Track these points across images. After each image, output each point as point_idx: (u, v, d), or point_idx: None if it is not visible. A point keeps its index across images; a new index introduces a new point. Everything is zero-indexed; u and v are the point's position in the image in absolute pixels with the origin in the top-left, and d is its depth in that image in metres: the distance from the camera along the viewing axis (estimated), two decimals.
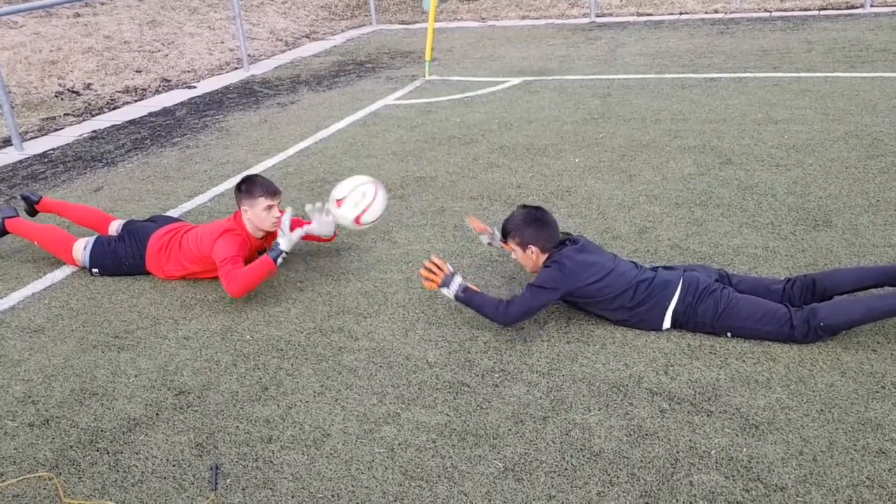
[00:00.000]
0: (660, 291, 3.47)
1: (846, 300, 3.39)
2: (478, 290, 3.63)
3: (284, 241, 3.99)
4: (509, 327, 3.55)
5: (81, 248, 4.40)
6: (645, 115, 6.94)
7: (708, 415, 2.96)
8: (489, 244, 4.09)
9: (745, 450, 2.76)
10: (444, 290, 3.58)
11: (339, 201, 4.08)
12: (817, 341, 3.32)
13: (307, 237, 4.23)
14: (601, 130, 6.57)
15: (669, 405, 3.03)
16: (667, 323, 3.48)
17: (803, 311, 3.30)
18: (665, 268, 3.68)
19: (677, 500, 2.56)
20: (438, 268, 3.58)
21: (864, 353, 3.27)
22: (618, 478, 2.67)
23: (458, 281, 3.57)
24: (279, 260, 3.97)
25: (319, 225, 4.25)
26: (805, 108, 6.75)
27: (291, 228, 4.06)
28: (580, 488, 2.64)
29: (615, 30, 11.47)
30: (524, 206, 3.73)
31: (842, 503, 2.51)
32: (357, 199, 4.05)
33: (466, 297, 3.56)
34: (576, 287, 3.47)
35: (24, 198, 4.77)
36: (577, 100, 7.64)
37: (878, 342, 3.33)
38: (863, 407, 2.95)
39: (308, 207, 4.29)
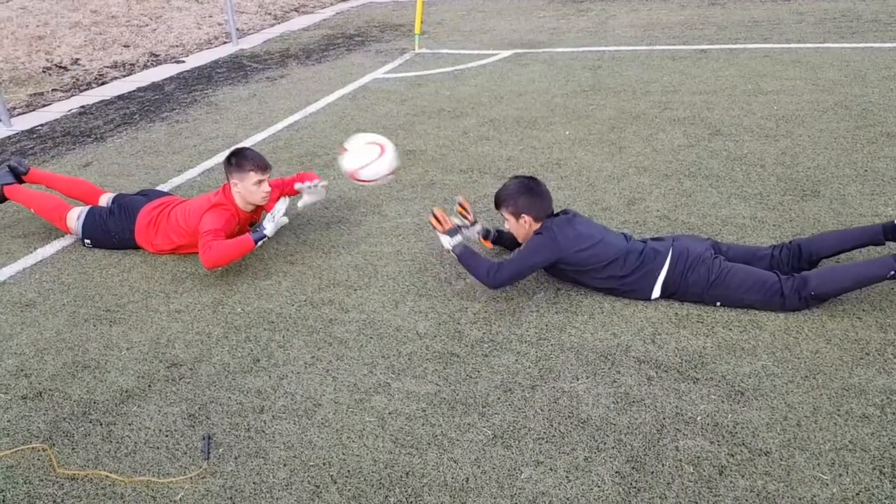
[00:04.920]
0: (650, 261, 3.49)
1: (835, 269, 3.42)
2: (475, 252, 3.66)
3: (271, 227, 3.96)
4: (498, 290, 3.57)
5: (75, 218, 4.40)
6: (635, 86, 6.93)
7: (694, 382, 3.00)
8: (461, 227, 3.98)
9: (730, 416, 2.80)
10: (444, 238, 3.65)
11: (344, 149, 4.06)
12: (806, 309, 3.36)
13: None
14: (591, 103, 6.57)
15: (656, 373, 3.06)
16: (656, 292, 3.51)
17: (794, 280, 3.33)
18: (654, 239, 3.70)
19: (663, 465, 2.60)
20: (446, 220, 3.68)
21: (849, 320, 3.31)
22: (605, 444, 2.71)
23: (459, 238, 3.64)
24: (259, 243, 3.95)
25: (310, 197, 4.33)
26: (795, 79, 6.76)
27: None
28: (568, 454, 2.68)
29: (606, 1, 11.41)
30: (517, 177, 3.74)
31: (825, 467, 2.55)
32: (360, 155, 4.01)
33: (462, 253, 3.60)
34: (565, 255, 3.49)
35: (12, 168, 4.72)
36: (567, 72, 7.62)
37: (862, 310, 3.37)
38: (847, 373, 2.99)
39: (298, 186, 4.33)
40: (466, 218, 3.94)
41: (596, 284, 3.60)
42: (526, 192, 3.61)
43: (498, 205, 3.70)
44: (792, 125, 5.66)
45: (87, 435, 2.93)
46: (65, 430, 2.96)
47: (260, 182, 4.06)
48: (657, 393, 2.95)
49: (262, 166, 4.07)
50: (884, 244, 3.56)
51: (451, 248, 3.64)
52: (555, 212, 3.71)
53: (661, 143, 5.51)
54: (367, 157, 4.01)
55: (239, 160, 4.05)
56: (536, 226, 3.62)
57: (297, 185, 4.34)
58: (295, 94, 7.58)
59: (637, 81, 7.09)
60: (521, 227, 3.65)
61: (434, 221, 3.69)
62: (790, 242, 3.60)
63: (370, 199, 4.93)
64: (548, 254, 3.51)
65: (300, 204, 4.39)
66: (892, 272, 3.23)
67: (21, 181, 4.73)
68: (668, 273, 3.48)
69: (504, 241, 4.04)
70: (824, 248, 3.55)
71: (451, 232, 3.65)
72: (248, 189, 4.07)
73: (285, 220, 4.01)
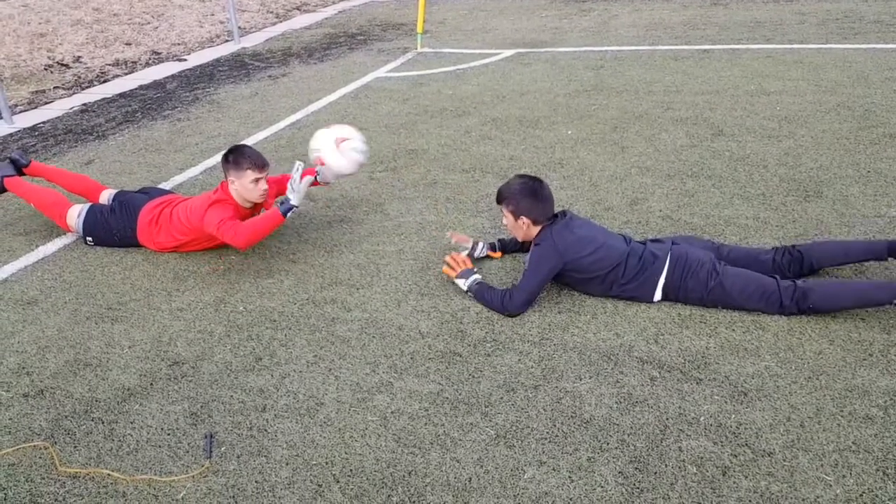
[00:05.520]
0: (649, 265, 3.48)
1: (837, 286, 3.37)
2: (488, 286, 3.66)
3: (295, 196, 3.89)
4: (517, 316, 3.52)
5: (75, 215, 4.39)
6: (638, 86, 6.93)
7: (697, 382, 2.99)
8: (469, 255, 3.98)
9: (733, 416, 2.80)
10: (460, 281, 3.70)
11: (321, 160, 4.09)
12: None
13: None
14: (594, 102, 6.57)
15: (659, 373, 3.06)
16: (657, 296, 3.51)
17: (794, 290, 3.31)
18: (653, 240, 3.69)
19: (666, 466, 2.59)
20: (458, 263, 3.75)
21: (852, 321, 3.30)
22: (608, 444, 2.71)
23: (473, 277, 3.68)
24: (289, 215, 3.91)
25: (322, 177, 4.22)
26: (797, 80, 6.75)
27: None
28: (571, 454, 2.67)
29: (608, 1, 11.41)
30: (522, 176, 3.72)
31: (828, 468, 2.55)
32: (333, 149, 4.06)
33: (477, 290, 3.63)
34: (569, 260, 3.48)
35: (13, 161, 4.68)
36: (569, 72, 7.62)
37: (866, 311, 3.36)
38: (850, 374, 2.98)
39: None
40: (467, 242, 4.00)
41: (597, 292, 3.59)
42: (529, 195, 3.59)
43: (499, 200, 3.69)
44: (794, 126, 5.65)
45: (88, 433, 2.92)
46: (66, 429, 2.95)
47: (257, 180, 4.02)
48: (660, 393, 2.94)
49: (260, 165, 4.03)
50: (886, 260, 3.54)
51: (466, 289, 3.68)
52: (554, 212, 3.70)
53: (663, 144, 5.50)
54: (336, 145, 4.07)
55: (236, 157, 4.02)
56: (535, 229, 3.61)
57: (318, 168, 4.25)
58: (297, 93, 7.58)
59: (639, 81, 7.08)
60: (520, 227, 3.65)
61: (447, 270, 3.77)
62: (793, 247, 3.58)
63: (372, 197, 4.92)
64: (552, 263, 3.49)
65: (319, 179, 4.23)
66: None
67: (21, 174, 4.71)
68: (667, 278, 3.47)
69: (508, 246, 4.06)
70: (826, 259, 3.54)
71: (465, 274, 3.70)
72: (245, 187, 4.04)
73: (309, 179, 3.98)
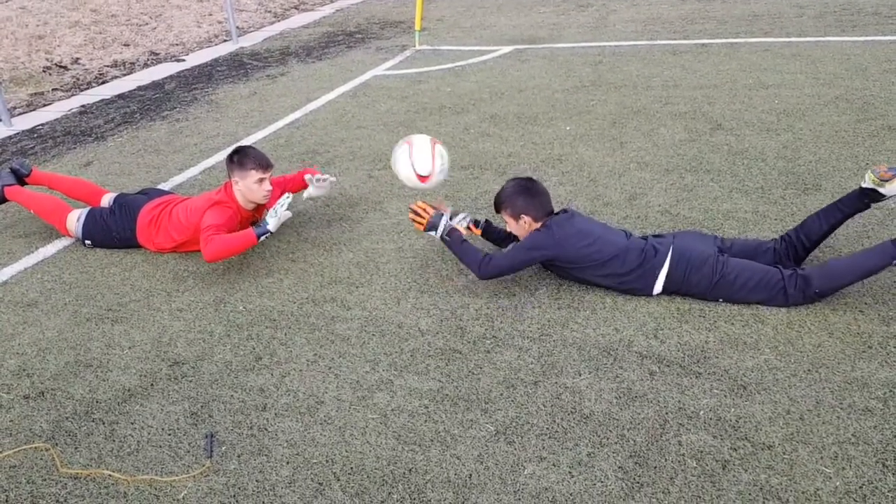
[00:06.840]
0: (650, 259, 3.48)
1: (837, 265, 3.37)
2: (464, 234, 3.68)
3: (273, 222, 3.93)
4: (485, 281, 3.55)
5: (75, 220, 4.40)
6: (636, 81, 6.92)
7: (696, 376, 2.99)
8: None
9: (733, 410, 2.80)
10: (431, 233, 3.68)
11: (424, 178, 3.71)
12: (809, 304, 3.36)
13: None
14: (592, 98, 6.56)
15: (659, 368, 3.06)
16: (657, 290, 3.51)
17: (797, 278, 3.31)
18: (655, 236, 3.69)
19: (666, 460, 2.60)
20: (424, 210, 3.69)
21: (851, 313, 3.30)
22: (608, 439, 2.71)
23: (443, 222, 3.65)
24: (262, 238, 3.93)
25: (316, 190, 4.43)
26: (796, 73, 6.75)
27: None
28: (570, 449, 2.67)
29: None
30: (514, 179, 3.73)
31: (828, 460, 2.55)
32: (441, 166, 3.73)
33: (450, 241, 3.64)
34: (564, 251, 3.49)
35: (14, 171, 4.71)
36: (567, 68, 7.61)
37: (865, 303, 3.36)
38: (849, 366, 2.98)
39: (308, 178, 4.44)
40: (436, 208, 3.79)
41: (596, 281, 3.59)
42: (523, 193, 3.61)
43: (498, 208, 3.70)
44: (793, 119, 5.65)
45: (89, 434, 2.93)
46: (67, 430, 2.96)
47: (261, 181, 4.06)
48: (660, 388, 2.95)
49: (264, 165, 4.06)
50: (869, 208, 3.54)
51: (439, 237, 3.67)
52: (554, 210, 3.70)
53: (662, 138, 5.50)
54: (442, 162, 3.75)
55: (241, 158, 4.05)
56: (536, 225, 3.62)
57: (307, 177, 4.41)
58: (295, 92, 7.58)
59: (638, 76, 7.08)
60: (522, 227, 3.65)
61: (414, 217, 3.70)
62: (785, 236, 3.60)
63: (371, 196, 4.93)
64: (545, 250, 3.50)
65: (305, 195, 4.47)
66: (894, 260, 3.22)
67: (23, 183, 4.73)
68: (668, 272, 3.47)
69: (493, 234, 3.98)
70: (813, 232, 3.56)
71: (434, 221, 3.66)
72: (249, 187, 4.06)
73: (288, 214, 3.99)
